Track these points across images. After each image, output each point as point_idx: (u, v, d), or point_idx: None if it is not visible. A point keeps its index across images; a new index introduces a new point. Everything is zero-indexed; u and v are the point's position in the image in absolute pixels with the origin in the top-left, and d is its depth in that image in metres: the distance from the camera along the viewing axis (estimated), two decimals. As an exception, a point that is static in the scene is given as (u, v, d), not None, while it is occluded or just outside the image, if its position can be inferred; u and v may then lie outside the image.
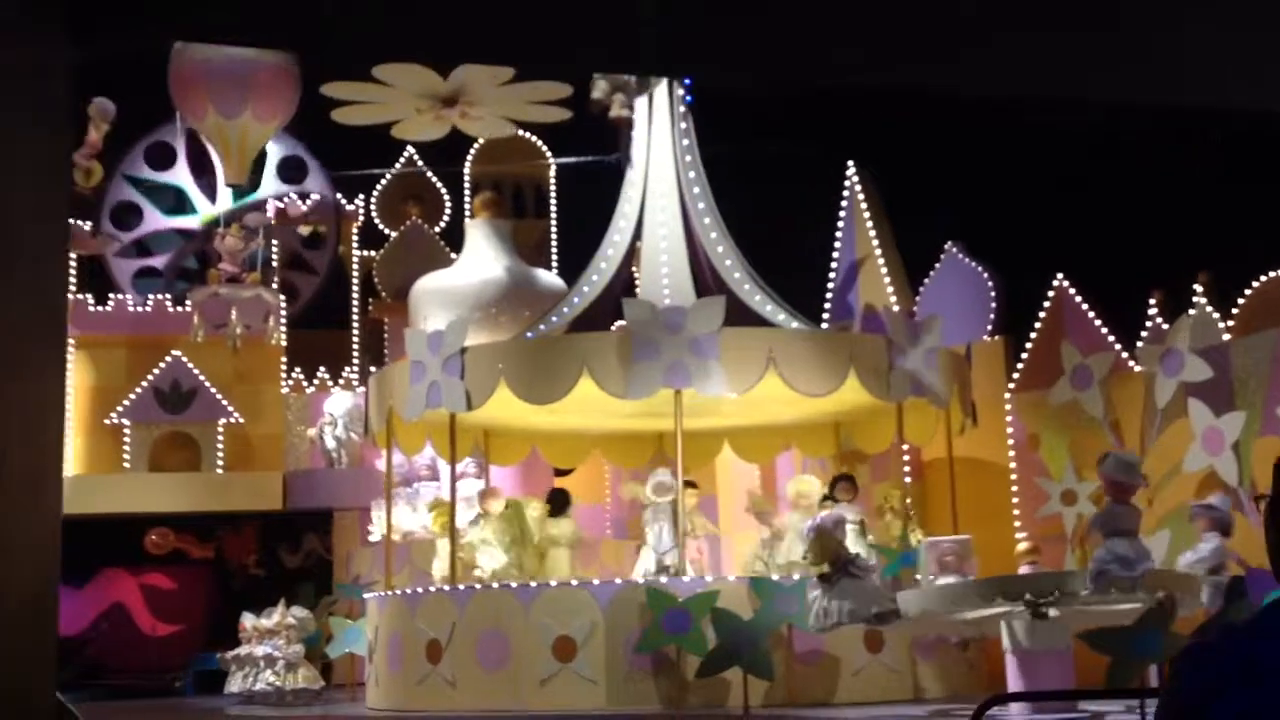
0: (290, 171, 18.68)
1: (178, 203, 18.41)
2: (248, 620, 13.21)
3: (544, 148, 19.84)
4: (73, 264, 16.85)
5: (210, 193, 18.24)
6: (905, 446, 12.50)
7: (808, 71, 3.79)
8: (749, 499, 12.09)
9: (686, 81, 12.13)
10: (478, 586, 10.71)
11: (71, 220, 15.32)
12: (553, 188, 19.56)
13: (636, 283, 12.26)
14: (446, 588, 10.81)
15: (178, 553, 21.51)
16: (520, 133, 19.50)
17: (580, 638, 10.10)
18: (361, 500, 15.99)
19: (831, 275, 14.05)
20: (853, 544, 10.06)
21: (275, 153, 18.37)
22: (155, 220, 18.23)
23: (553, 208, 19.48)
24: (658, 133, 12.26)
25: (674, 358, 10.23)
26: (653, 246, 11.95)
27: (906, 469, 12.70)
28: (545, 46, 3.66)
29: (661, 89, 12.24)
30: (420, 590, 10.99)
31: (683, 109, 12.46)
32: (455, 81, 14.44)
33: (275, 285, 17.83)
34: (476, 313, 14.74)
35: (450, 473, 11.48)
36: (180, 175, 18.40)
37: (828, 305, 13.95)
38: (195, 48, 16.09)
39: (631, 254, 12.19)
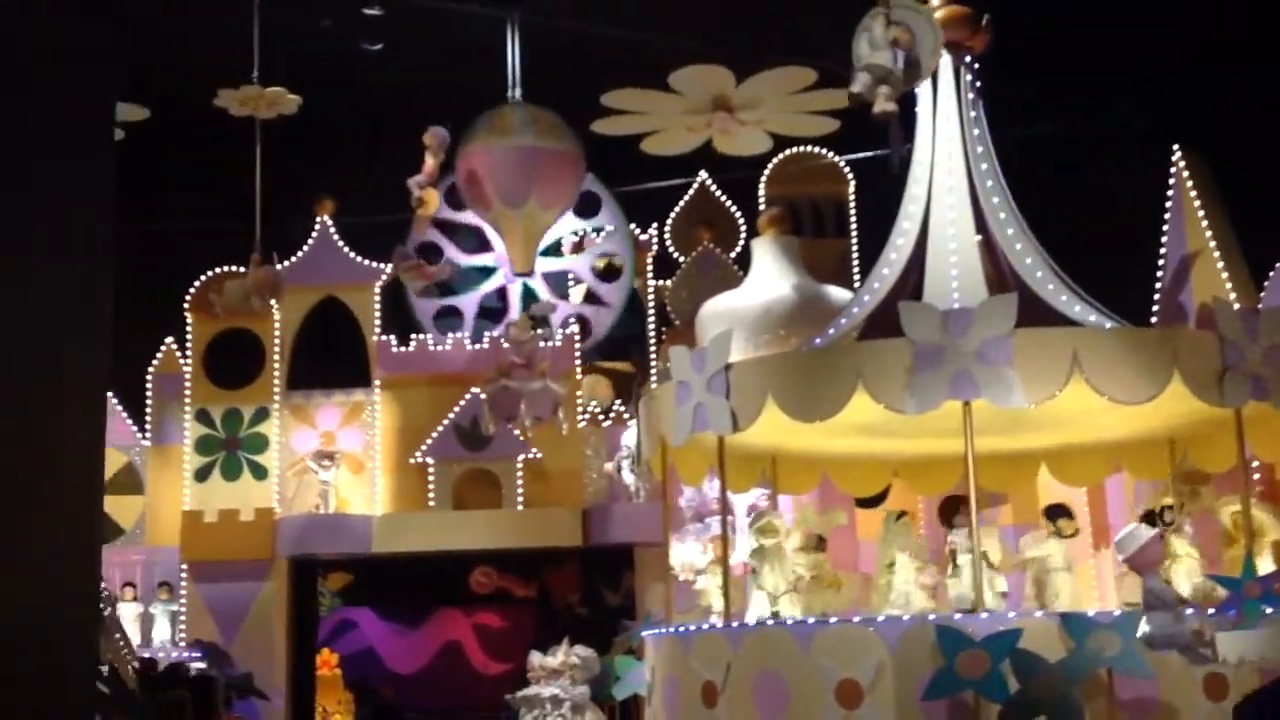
0: (583, 206, 18.52)
1: (480, 243, 18.54)
2: (535, 659, 12.81)
3: (843, 164, 18.91)
4: (377, 305, 17.17)
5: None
6: (1255, 463, 10.80)
7: None
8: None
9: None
10: (751, 624, 9.82)
11: (405, 249, 15.54)
12: (852, 205, 18.56)
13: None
14: (719, 624, 9.98)
15: (501, 591, 21.69)
16: (816, 149, 18.72)
17: (866, 681, 9.04)
18: (659, 535, 15.43)
19: (1159, 274, 12.45)
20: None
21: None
22: (457, 259, 18.39)
23: (853, 225, 18.49)
24: (943, 119, 11.13)
25: (960, 366, 9.07)
26: (940, 246, 10.79)
27: (1259, 489, 10.97)
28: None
29: (946, 70, 11.10)
30: (693, 628, 10.20)
31: (971, 95, 11.28)
32: (747, 88, 13.79)
33: (574, 321, 17.66)
34: (764, 334, 13.96)
35: (722, 501, 10.66)
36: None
37: (1155, 307, 12.35)
38: (480, 138, 16.20)
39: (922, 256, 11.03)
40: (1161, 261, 12.41)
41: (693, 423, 9.98)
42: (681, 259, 18.30)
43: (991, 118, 11.36)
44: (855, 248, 18.09)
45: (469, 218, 18.57)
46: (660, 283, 18.27)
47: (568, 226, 18.16)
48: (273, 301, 14.84)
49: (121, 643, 5.84)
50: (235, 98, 13.13)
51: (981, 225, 10.86)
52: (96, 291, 3.04)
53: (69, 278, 2.94)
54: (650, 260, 18.40)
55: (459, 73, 15.79)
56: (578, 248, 18.16)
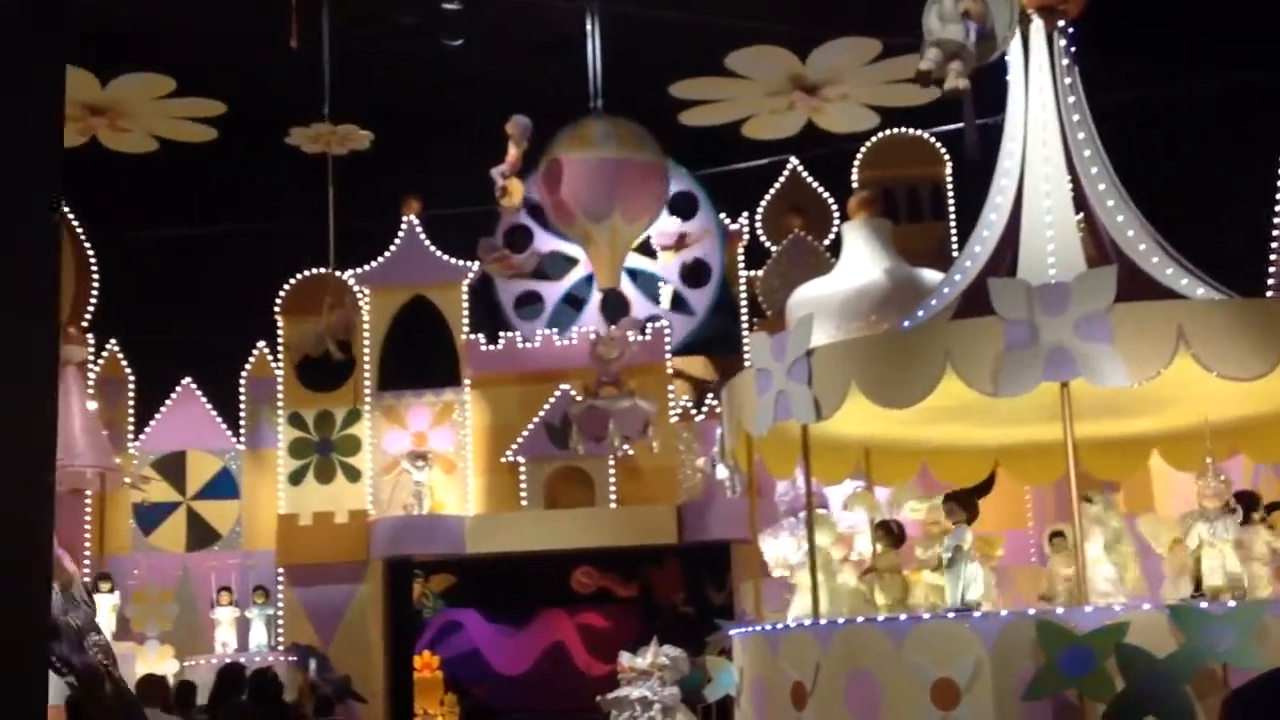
0: (680, 207, 18.20)
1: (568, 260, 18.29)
2: (624, 659, 12.47)
3: (939, 145, 18.30)
4: (465, 304, 17.00)
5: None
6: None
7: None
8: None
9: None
10: (841, 621, 9.36)
11: (490, 241, 15.28)
12: (949, 187, 17.95)
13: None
14: (807, 623, 9.55)
15: (603, 591, 21.45)
16: (912, 131, 18.16)
17: (963, 680, 8.53)
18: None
19: (1273, 245, 11.72)
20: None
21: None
22: (546, 242, 18.15)
23: (951, 208, 17.88)
24: (1036, 88, 10.53)
25: (1055, 343, 8.51)
26: (1035, 220, 10.21)
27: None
28: None
29: (1038, 36, 10.51)
30: (780, 626, 9.77)
31: (1065, 61, 10.66)
32: (818, 65, 13.34)
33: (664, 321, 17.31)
34: (855, 321, 13.48)
35: (807, 494, 10.21)
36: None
37: (1270, 280, 11.62)
38: (561, 151, 15.94)
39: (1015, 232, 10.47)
40: (1276, 232, 11.67)
41: (774, 412, 9.55)
42: (773, 248, 17.87)
43: (1090, 84, 10.72)
44: (954, 230, 17.50)
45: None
46: (752, 273, 17.86)
47: (660, 226, 17.85)
48: (346, 344, 14.70)
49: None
50: (306, 135, 13.05)
51: (1079, 197, 10.26)
52: (40, 271, 2.76)
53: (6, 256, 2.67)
54: (742, 250, 18.01)
55: (538, 66, 15.56)
56: (671, 249, 17.84)
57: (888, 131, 18.01)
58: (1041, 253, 9.99)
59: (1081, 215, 10.31)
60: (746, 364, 17.03)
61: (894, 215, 16.65)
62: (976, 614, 8.83)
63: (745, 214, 18.11)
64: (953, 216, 17.69)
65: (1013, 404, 9.06)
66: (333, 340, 13.87)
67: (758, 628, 10.09)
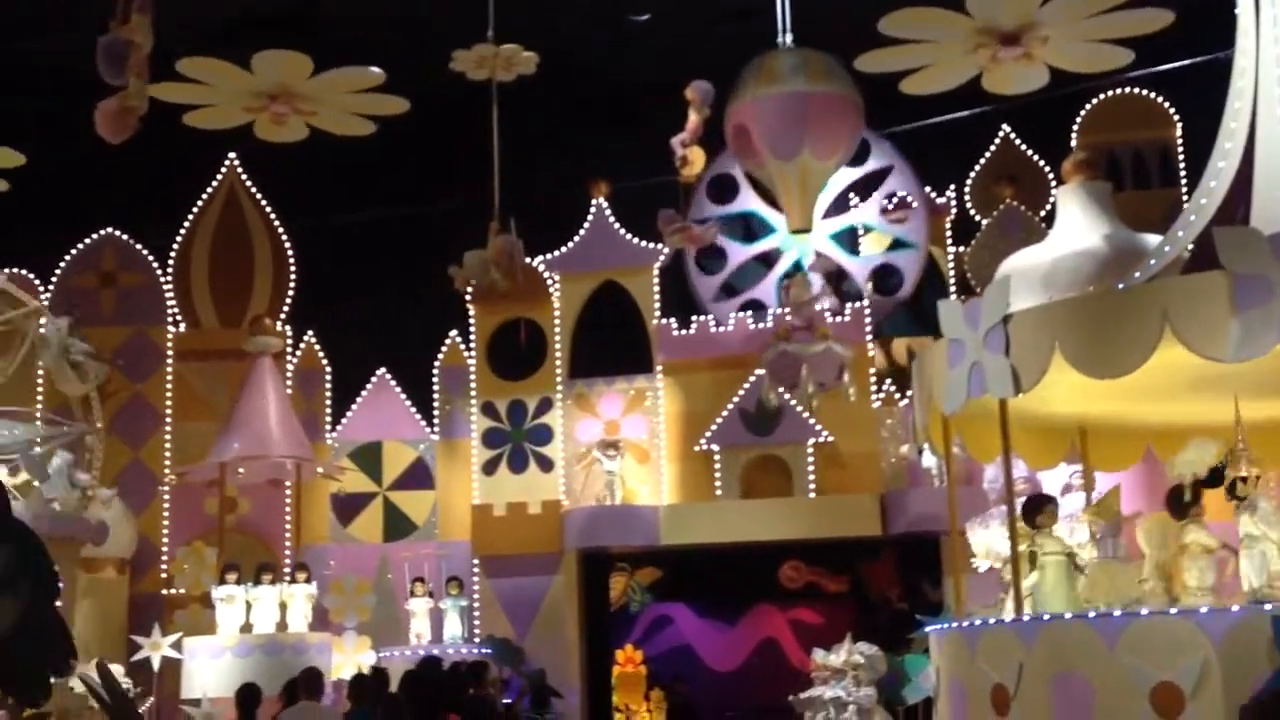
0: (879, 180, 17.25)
1: (748, 230, 17.56)
2: (818, 657, 11.70)
3: (1168, 105, 16.85)
4: (656, 287, 16.44)
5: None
6: None
7: None
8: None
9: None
10: (1046, 617, 8.37)
11: (671, 212, 14.75)
12: (1179, 149, 16.50)
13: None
14: (1009, 619, 8.59)
15: (811, 585, 20.66)
16: (1138, 91, 16.81)
17: (1188, 685, 7.49)
18: (963, 523, 13.98)
19: None
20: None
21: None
22: (737, 254, 17.47)
23: (1182, 173, 16.43)
24: (1268, 20, 9.30)
25: (1297, 299, 7.38)
26: (1271, 165, 9.01)
27: None
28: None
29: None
30: (978, 622, 8.84)
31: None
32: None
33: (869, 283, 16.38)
34: (1071, 292, 12.31)
35: (1006, 479, 9.21)
36: (747, 201, 17.51)
37: None
38: (748, 89, 15.22)
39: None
40: None
41: (968, 386, 8.65)
42: (982, 220, 16.75)
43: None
44: (1185, 198, 16.05)
45: (734, 207, 17.56)
46: (960, 249, 16.79)
47: (843, 179, 16.90)
48: (510, 272, 14.16)
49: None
50: (470, 59, 12.65)
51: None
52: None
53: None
54: (948, 225, 16.95)
55: (725, 36, 14.90)
56: (863, 195, 16.89)
57: (1110, 93, 16.73)
58: (1277, 202, 8.79)
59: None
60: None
61: (1118, 182, 15.37)
62: (1203, 609, 7.75)
63: (953, 186, 17.04)
64: (1184, 183, 16.28)
65: (1253, 373, 7.95)
66: (497, 268, 13.47)
67: (954, 624, 9.17)
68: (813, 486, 15.53)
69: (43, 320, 13.89)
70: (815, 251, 16.90)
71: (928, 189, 17.06)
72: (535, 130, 14.93)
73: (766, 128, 14.74)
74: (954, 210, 17.03)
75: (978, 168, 17.33)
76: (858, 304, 15.89)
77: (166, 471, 16.30)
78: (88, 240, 16.85)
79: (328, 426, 16.94)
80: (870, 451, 15.61)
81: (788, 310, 15.18)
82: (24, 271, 16.00)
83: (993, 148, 17.35)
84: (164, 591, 15.72)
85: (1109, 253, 12.57)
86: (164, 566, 15.83)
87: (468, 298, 16.51)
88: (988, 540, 12.13)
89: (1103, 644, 7.84)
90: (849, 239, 17.34)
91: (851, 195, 17.18)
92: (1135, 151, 16.98)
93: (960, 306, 8.90)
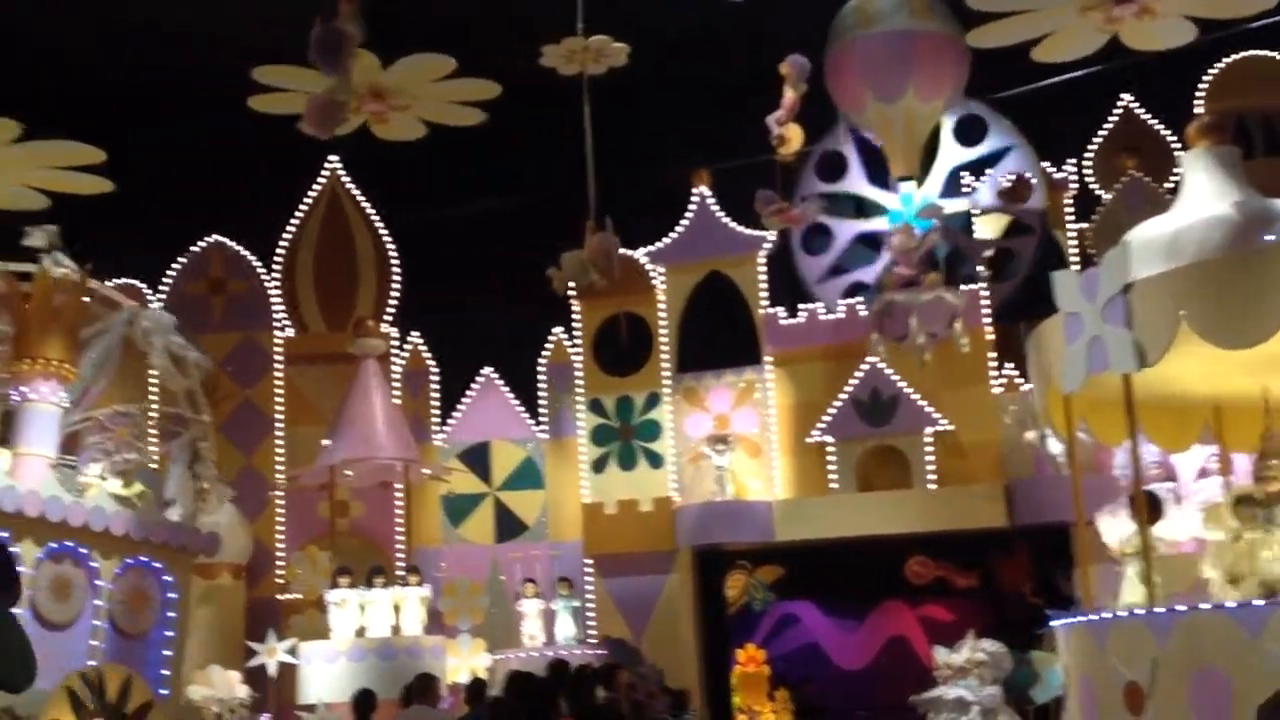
0: (969, 134, 16.49)
1: (858, 211, 16.98)
2: (940, 655, 11.16)
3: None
4: (762, 276, 16.00)
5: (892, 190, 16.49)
6: None
7: None
8: None
9: None
10: (1182, 609, 7.75)
11: (769, 193, 14.29)
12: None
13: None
14: (1142, 612, 7.99)
15: (939, 581, 20.01)
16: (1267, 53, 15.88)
17: (1338, 679, 6.84)
18: (1096, 509, 13.28)
19: None
20: None
21: (948, 121, 16.29)
22: (843, 234, 16.91)
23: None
24: None
25: None
26: None
27: None
28: None
29: None
30: (1107, 615, 8.24)
31: None
32: None
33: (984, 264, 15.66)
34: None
35: (1134, 461, 8.59)
36: (854, 183, 16.90)
37: None
38: (847, 32, 14.70)
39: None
40: None
41: (1087, 362, 8.07)
42: (1104, 195, 15.97)
43: None
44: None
45: (843, 187, 16.98)
46: (1082, 226, 16.03)
47: (956, 159, 16.22)
48: (608, 270, 13.84)
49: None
50: (559, 54, 12.33)
51: None
52: None
53: None
54: (1069, 202, 16.18)
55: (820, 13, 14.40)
56: (976, 174, 16.20)
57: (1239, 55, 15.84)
58: None
59: None
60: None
61: (1247, 149, 14.50)
62: (1357, 598, 7.08)
63: (1071, 161, 16.28)
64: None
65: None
66: (595, 267, 13.16)
67: (1082, 617, 8.58)
68: (932, 477, 14.96)
69: (144, 318, 13.90)
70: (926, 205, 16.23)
71: (1045, 164, 16.34)
72: (631, 121, 14.57)
73: (869, 69, 14.20)
74: (1074, 186, 16.28)
75: (1098, 140, 16.55)
76: (974, 286, 15.26)
77: (279, 476, 16.34)
78: (195, 248, 16.98)
79: (435, 427, 16.83)
80: (992, 439, 15.00)
81: (890, 240, 14.58)
82: (133, 281, 16.16)
83: (1113, 118, 16.56)
84: (280, 597, 15.74)
85: (1239, 220, 11.69)
86: (279, 571, 15.86)
87: (570, 295, 16.25)
88: (1119, 530, 11.48)
89: (1245, 636, 7.21)
90: (964, 223, 16.69)
91: (966, 176, 16.53)
92: (1266, 116, 16.07)
93: (1076, 277, 8.32)
